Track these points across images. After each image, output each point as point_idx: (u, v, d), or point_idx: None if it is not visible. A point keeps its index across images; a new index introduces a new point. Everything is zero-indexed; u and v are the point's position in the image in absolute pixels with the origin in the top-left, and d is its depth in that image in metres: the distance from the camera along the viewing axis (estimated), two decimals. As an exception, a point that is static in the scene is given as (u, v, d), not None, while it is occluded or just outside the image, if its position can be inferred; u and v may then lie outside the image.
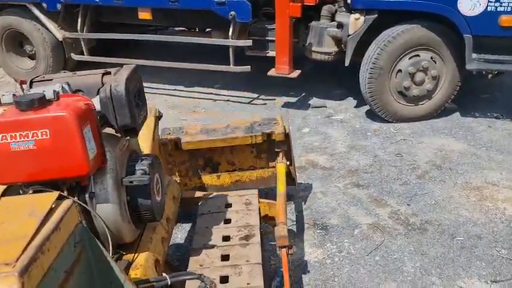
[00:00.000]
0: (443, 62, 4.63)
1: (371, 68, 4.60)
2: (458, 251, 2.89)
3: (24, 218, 1.07)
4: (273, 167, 3.07)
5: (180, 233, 3.25)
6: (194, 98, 5.89)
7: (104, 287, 1.28)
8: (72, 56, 5.89)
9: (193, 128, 3.13)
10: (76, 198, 1.55)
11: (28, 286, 0.92)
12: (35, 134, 1.40)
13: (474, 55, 4.37)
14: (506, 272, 2.68)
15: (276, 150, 3.04)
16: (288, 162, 3.07)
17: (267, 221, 2.85)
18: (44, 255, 1.00)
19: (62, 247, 1.09)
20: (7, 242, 0.99)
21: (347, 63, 4.82)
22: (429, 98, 4.79)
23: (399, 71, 4.62)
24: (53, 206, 1.14)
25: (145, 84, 6.24)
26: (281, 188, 2.74)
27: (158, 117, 2.80)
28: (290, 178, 3.16)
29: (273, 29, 5.01)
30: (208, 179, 3.11)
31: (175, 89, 6.14)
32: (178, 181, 2.97)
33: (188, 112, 5.49)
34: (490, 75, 4.68)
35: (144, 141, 2.48)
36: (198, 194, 2.85)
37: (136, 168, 1.73)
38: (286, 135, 3.01)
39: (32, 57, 6.20)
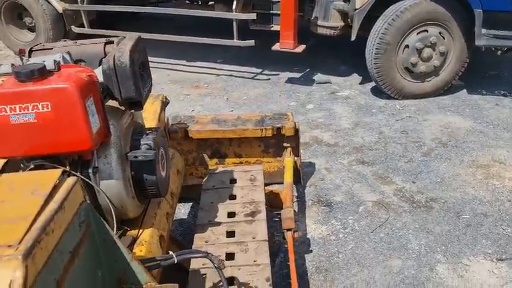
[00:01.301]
0: (452, 37, 4.52)
1: (378, 43, 4.49)
2: (464, 229, 2.86)
3: (27, 196, 1.02)
4: (280, 162, 3.07)
5: (183, 208, 3.23)
6: (197, 72, 5.80)
7: (110, 267, 1.24)
8: (72, 28, 5.77)
9: (204, 118, 3.12)
10: (78, 173, 1.51)
11: (32, 269, 0.88)
12: (35, 107, 1.35)
13: (484, 30, 4.26)
14: (512, 250, 2.67)
15: (284, 145, 3.04)
16: (295, 158, 3.06)
17: (273, 209, 2.86)
18: (49, 236, 0.96)
19: (67, 227, 1.04)
20: (9, 222, 0.94)
21: (353, 38, 4.72)
22: (436, 75, 4.70)
23: (407, 46, 4.52)
24: (57, 183, 1.10)
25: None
26: (288, 177, 2.77)
27: (165, 103, 2.75)
28: (296, 174, 3.14)
29: (278, 2, 4.89)
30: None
31: (177, 64, 6.05)
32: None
33: (190, 87, 5.41)
34: (499, 52, 4.59)
35: (149, 120, 2.43)
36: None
37: (141, 142, 1.68)
38: (296, 131, 3.01)
39: (31, 29, 6.09)
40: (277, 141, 3.05)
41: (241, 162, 3.06)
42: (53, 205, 0.98)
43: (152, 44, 5.76)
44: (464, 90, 4.91)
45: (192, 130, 2.93)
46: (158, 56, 6.08)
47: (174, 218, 3.12)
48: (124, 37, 1.71)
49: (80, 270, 1.07)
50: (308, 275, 2.60)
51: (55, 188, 1.03)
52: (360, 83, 5.29)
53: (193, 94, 5.20)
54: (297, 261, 2.69)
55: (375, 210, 3.10)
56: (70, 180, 1.08)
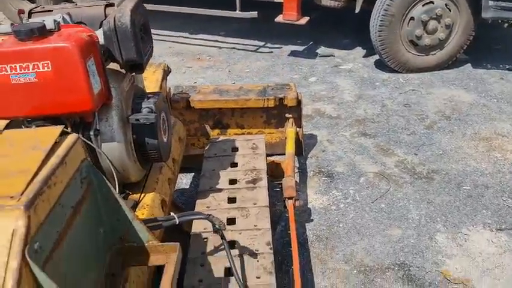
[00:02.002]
0: (458, 9, 4.45)
1: (383, 15, 4.42)
2: (464, 200, 2.88)
3: (28, 151, 1.02)
4: (282, 132, 3.07)
5: (185, 178, 3.24)
6: (199, 45, 5.74)
7: (112, 225, 1.25)
8: (73, -2, 5.69)
9: (206, 88, 3.11)
10: (80, 135, 1.51)
11: (34, 220, 0.88)
12: (36, 66, 1.34)
13: (491, 2, 4.18)
14: (512, 220, 2.68)
15: (286, 116, 3.03)
16: (297, 129, 3.05)
17: (274, 178, 2.87)
18: (50, 189, 0.96)
19: (69, 182, 1.05)
20: (11, 176, 0.94)
21: (357, 10, 4.65)
22: (441, 48, 4.64)
23: (412, 18, 4.45)
24: (58, 140, 1.10)
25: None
26: (290, 148, 2.78)
27: (167, 72, 2.73)
28: (298, 145, 3.14)
29: (282, -28, 4.80)
30: None
31: (179, 36, 5.99)
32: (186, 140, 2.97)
33: (192, 59, 5.37)
34: (505, 25, 4.51)
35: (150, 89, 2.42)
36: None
37: (143, 106, 1.67)
38: (299, 102, 2.99)
39: (32, 0, 6.01)
40: (280, 112, 3.04)
41: (243, 133, 3.06)
42: (54, 160, 0.98)
43: (155, 15, 5.69)
44: (469, 64, 4.86)
45: (194, 100, 2.92)
46: (160, 28, 6.01)
47: (176, 188, 3.16)
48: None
49: (82, 226, 1.08)
50: (309, 243, 2.63)
51: (56, 144, 1.03)
52: (363, 56, 5.24)
53: (195, 66, 5.16)
54: (298, 230, 2.71)
55: (377, 181, 3.11)
56: (71, 137, 1.08)
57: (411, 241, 2.59)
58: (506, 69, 4.75)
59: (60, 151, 1.03)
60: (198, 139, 3.11)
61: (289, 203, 2.33)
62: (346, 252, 2.55)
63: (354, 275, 2.40)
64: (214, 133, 3.08)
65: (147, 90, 2.10)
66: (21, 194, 0.87)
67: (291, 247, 2.15)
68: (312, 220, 2.80)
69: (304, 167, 3.31)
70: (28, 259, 0.81)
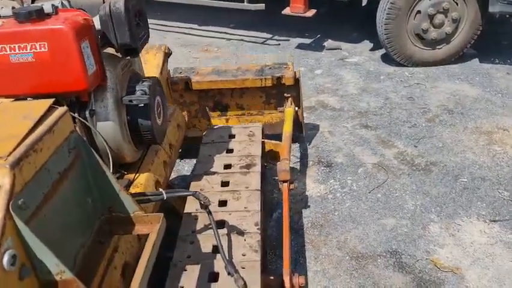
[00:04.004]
0: (465, 3, 4.44)
1: (389, 9, 4.43)
2: (460, 192, 2.90)
3: (19, 119, 1.11)
4: (281, 112, 3.07)
5: (187, 166, 3.33)
6: (207, 36, 5.82)
7: (100, 196, 1.33)
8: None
9: (204, 69, 3.13)
10: (76, 114, 1.59)
11: (19, 179, 0.96)
12: (33, 46, 1.42)
13: (498, -4, 4.17)
14: (506, 212, 2.70)
15: (285, 95, 3.04)
16: (296, 108, 3.06)
17: (272, 161, 2.90)
18: (37, 154, 1.04)
19: (56, 149, 1.13)
20: (1, 140, 1.03)
21: (364, 3, 4.68)
22: (447, 42, 4.64)
23: (418, 12, 4.45)
24: (48, 112, 1.17)
25: (157, 22, 6.21)
26: (287, 128, 2.76)
27: (168, 54, 2.79)
28: (298, 124, 3.17)
29: (290, -35, 4.84)
30: (217, 121, 3.13)
31: (188, 27, 6.07)
32: (187, 120, 3.02)
33: (200, 50, 5.44)
34: (513, 19, 4.48)
35: (152, 75, 2.48)
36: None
37: (137, 88, 1.74)
38: (296, 80, 2.99)
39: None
40: (279, 91, 3.04)
41: (243, 114, 3.09)
42: (42, 128, 1.07)
43: (164, 7, 5.80)
44: (476, 59, 4.84)
45: (193, 81, 2.94)
46: (169, 19, 6.11)
47: (178, 174, 3.25)
48: (122, -14, 1.75)
49: (69, 192, 1.16)
50: (303, 229, 2.69)
51: (45, 115, 1.11)
52: (370, 50, 5.25)
53: (203, 58, 5.24)
54: (293, 216, 2.78)
55: (375, 172, 3.15)
56: (60, 110, 1.16)
57: (405, 230, 2.64)
58: (514, 65, 4.72)
59: (49, 121, 1.11)
60: (199, 120, 3.15)
61: (284, 186, 2.35)
62: (340, 239, 2.60)
63: (346, 261, 2.46)
64: (214, 114, 3.11)
65: (148, 73, 2.17)
66: (8, 155, 0.95)
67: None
68: (308, 208, 2.86)
69: (304, 156, 3.36)
70: (12, 212, 0.90)
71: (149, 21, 1.94)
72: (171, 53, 2.84)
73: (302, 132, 3.31)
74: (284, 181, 2.35)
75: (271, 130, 3.13)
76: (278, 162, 2.41)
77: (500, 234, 2.55)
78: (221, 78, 2.96)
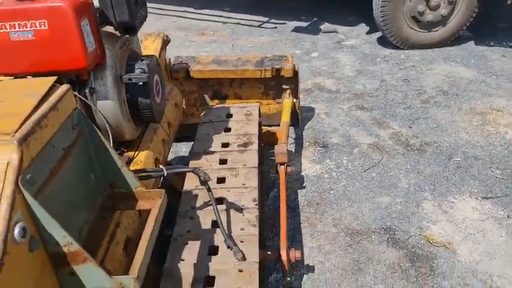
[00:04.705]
0: (461, -15, 4.45)
1: (385, -10, 4.44)
2: (454, 170, 2.96)
3: (22, 97, 1.13)
4: (279, 104, 3.14)
5: (185, 147, 3.36)
6: (203, 20, 5.80)
7: (103, 171, 1.37)
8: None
9: (205, 58, 3.17)
10: (76, 92, 1.62)
11: (27, 155, 1.00)
12: (33, 24, 1.44)
13: (494, -22, 4.18)
14: (498, 190, 2.76)
15: (283, 87, 3.10)
16: (294, 100, 3.12)
17: (269, 146, 2.96)
18: (42, 130, 1.07)
19: (60, 127, 1.16)
20: (6, 117, 1.05)
21: (360, -15, 4.66)
22: (443, 24, 4.65)
23: (415, -6, 4.46)
24: (51, 90, 1.20)
25: (153, 5, 6.19)
26: (285, 117, 2.85)
27: (166, 42, 2.81)
28: (294, 116, 3.22)
29: None
30: None
31: (184, 11, 6.05)
32: (185, 109, 3.07)
33: (197, 34, 5.44)
34: (509, 1, 4.49)
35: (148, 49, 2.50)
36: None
37: (136, 67, 1.77)
38: (295, 73, 3.05)
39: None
40: (277, 83, 3.11)
41: (241, 104, 3.14)
42: (47, 104, 1.09)
43: (160, -11, 5.77)
44: (472, 42, 4.87)
45: (193, 70, 3.00)
46: (165, 2, 6.07)
47: (176, 155, 3.29)
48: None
49: (73, 168, 1.20)
50: (300, 208, 2.74)
51: (49, 92, 1.14)
52: (367, 33, 5.27)
53: (199, 41, 5.23)
54: (290, 196, 2.83)
55: (370, 152, 3.20)
56: (63, 87, 1.19)
57: (399, 208, 2.69)
58: (509, 47, 4.75)
59: (53, 98, 1.14)
60: (197, 109, 3.20)
61: (281, 169, 2.43)
62: (335, 217, 2.66)
63: (341, 237, 2.52)
64: (213, 103, 3.17)
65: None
66: (15, 132, 0.98)
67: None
68: (304, 187, 2.91)
69: (300, 138, 3.40)
70: (21, 187, 0.93)
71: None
72: (170, 41, 2.87)
73: (298, 122, 3.41)
74: (282, 163, 2.41)
75: (268, 121, 3.19)
76: (276, 145, 2.46)
77: (492, 210, 2.61)
78: (221, 68, 3.01)
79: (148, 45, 2.68)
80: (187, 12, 6.03)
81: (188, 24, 5.70)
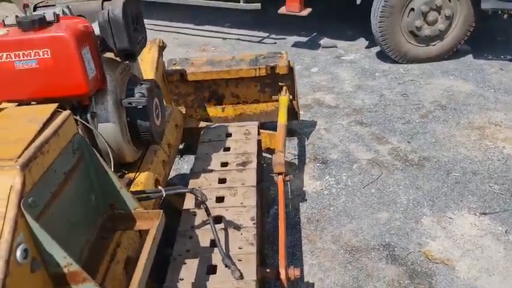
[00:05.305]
0: (458, 0, 4.50)
1: (383, 7, 4.51)
2: (452, 186, 2.98)
3: (26, 124, 1.19)
4: (276, 100, 3.13)
5: (186, 165, 3.40)
6: (204, 36, 5.89)
7: (102, 193, 1.41)
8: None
9: (199, 60, 3.17)
10: (78, 117, 1.67)
11: (29, 179, 1.05)
12: (37, 53, 1.49)
13: (490, -7, 4.24)
14: (496, 205, 2.78)
15: (279, 84, 3.08)
16: (291, 96, 3.11)
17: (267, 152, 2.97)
18: (44, 156, 1.12)
19: (61, 151, 1.21)
20: (10, 143, 1.11)
21: (358, 1, 4.73)
22: (441, 39, 4.71)
23: (412, 9, 4.53)
24: (52, 116, 1.25)
25: (155, 22, 6.27)
26: (282, 119, 2.79)
27: (162, 48, 2.85)
28: (293, 112, 3.23)
29: (285, -35, 4.90)
30: (213, 111, 3.20)
31: (185, 27, 6.14)
32: (184, 112, 3.08)
33: (198, 50, 5.52)
34: (505, 16, 4.55)
35: (148, 71, 2.56)
36: (202, 124, 2.96)
37: (135, 91, 1.82)
38: (290, 69, 3.03)
39: (43, -7, 6.20)
40: (273, 80, 3.08)
41: (238, 103, 3.17)
42: (48, 131, 1.15)
43: (162, 7, 5.87)
44: (470, 55, 4.92)
45: (188, 72, 2.99)
46: (166, 19, 6.18)
47: (177, 173, 3.33)
48: (120, -8, 1.83)
49: (74, 191, 1.24)
50: (300, 225, 2.77)
51: (51, 118, 1.19)
52: (366, 47, 5.33)
53: (200, 57, 5.30)
54: (290, 213, 2.86)
55: (369, 168, 3.23)
56: (64, 114, 1.24)
57: (398, 224, 2.72)
58: (507, 60, 4.80)
59: (54, 124, 1.19)
60: (195, 110, 3.22)
61: (279, 178, 2.38)
62: (335, 234, 2.69)
63: (341, 254, 2.54)
64: (210, 104, 3.17)
65: (144, 69, 2.23)
66: (18, 157, 1.03)
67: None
68: (304, 204, 2.94)
69: (300, 154, 3.44)
70: (23, 210, 0.98)
71: (146, 21, 2.02)
72: (165, 46, 2.90)
73: (297, 119, 3.37)
74: (279, 173, 2.41)
75: (267, 118, 3.20)
76: (273, 155, 2.47)
77: (490, 226, 2.63)
78: (215, 68, 3.00)
79: (145, 55, 2.70)
80: (188, 28, 6.12)
81: (189, 41, 5.78)
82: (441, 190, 2.96)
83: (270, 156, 3.10)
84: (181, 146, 2.91)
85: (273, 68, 2.98)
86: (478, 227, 2.64)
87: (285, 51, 3.17)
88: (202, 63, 3.10)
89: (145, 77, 2.24)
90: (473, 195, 2.88)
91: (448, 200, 2.87)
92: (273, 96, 3.15)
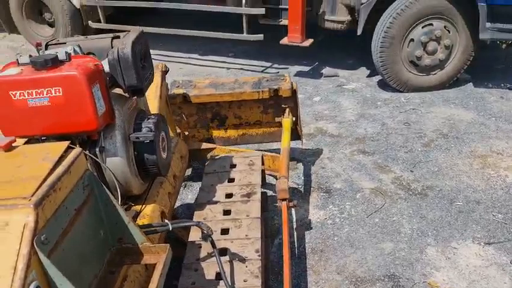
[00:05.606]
0: (457, 31, 4.60)
1: (383, 37, 4.60)
2: (456, 215, 2.99)
3: (39, 162, 1.23)
4: (279, 122, 3.13)
5: (191, 194, 3.43)
6: (208, 66, 6.00)
7: (111, 228, 1.44)
8: (90, 23, 6.03)
9: (202, 82, 3.18)
10: (87, 151, 1.71)
11: (42, 217, 1.08)
12: (49, 92, 1.55)
13: (488, 24, 4.33)
14: (500, 235, 2.78)
15: (282, 106, 3.09)
16: (294, 118, 3.12)
17: (270, 173, 2.99)
18: (56, 193, 1.16)
19: (72, 188, 1.25)
20: (24, 181, 1.15)
21: (359, 32, 4.83)
22: (441, 68, 4.79)
23: (412, 40, 4.62)
24: (64, 153, 1.30)
25: (160, 52, 6.40)
26: (285, 143, 2.80)
27: (165, 72, 2.89)
28: (296, 133, 3.24)
29: (287, -3, 5.03)
30: (215, 131, 3.22)
31: (189, 57, 6.26)
32: (187, 133, 3.11)
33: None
34: (503, 45, 4.64)
35: (151, 97, 2.58)
36: (205, 145, 2.99)
37: (143, 126, 1.87)
38: (293, 92, 3.04)
39: (51, 24, 6.37)
40: (276, 102, 3.09)
41: (241, 123, 3.17)
42: (60, 168, 1.19)
43: (167, 37, 6.00)
44: (470, 84, 4.99)
45: (191, 95, 3.02)
46: (172, 49, 6.31)
47: (182, 203, 3.35)
48: (129, 31, 1.90)
49: (84, 226, 1.28)
50: (304, 255, 2.77)
51: (63, 156, 1.24)
52: (367, 76, 5.41)
53: (204, 86, 5.39)
54: (294, 243, 2.86)
55: (372, 197, 3.24)
56: (76, 151, 1.28)
57: (402, 254, 2.71)
58: (507, 88, 4.86)
59: (66, 162, 1.23)
60: (198, 130, 3.24)
61: (283, 204, 2.38)
62: (339, 264, 2.68)
63: (346, 285, 2.53)
64: (213, 124, 3.20)
65: (148, 94, 2.26)
66: (32, 195, 1.07)
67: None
68: (308, 234, 2.94)
69: (304, 183, 3.46)
70: (36, 247, 1.01)
71: (152, 51, 2.07)
72: (168, 70, 2.95)
73: (300, 139, 3.38)
74: (283, 199, 2.40)
75: (270, 138, 3.21)
76: (277, 181, 2.46)
77: (495, 256, 2.63)
78: (219, 91, 3.02)
79: None
80: (192, 58, 6.24)
81: (194, 71, 5.88)
82: (445, 219, 2.96)
83: (273, 179, 3.14)
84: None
85: (276, 90, 2.99)
86: (483, 257, 2.63)
87: (288, 74, 3.16)
88: (205, 85, 3.11)
89: (148, 101, 2.26)
90: (477, 225, 2.89)
91: (452, 230, 2.87)
92: (276, 118, 3.16)
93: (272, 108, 3.15)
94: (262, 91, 3.00)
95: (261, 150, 3.21)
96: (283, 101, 3.08)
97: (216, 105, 3.12)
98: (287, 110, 3.10)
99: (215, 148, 3.14)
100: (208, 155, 2.95)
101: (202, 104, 3.11)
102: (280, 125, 3.11)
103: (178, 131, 3.05)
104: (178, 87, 3.10)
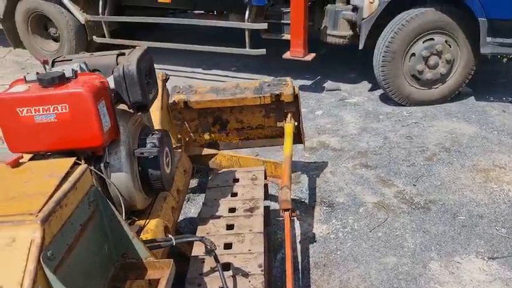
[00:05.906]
0: (458, 45, 4.64)
1: (385, 52, 4.64)
2: (459, 229, 2.98)
3: (45, 178, 1.25)
4: (281, 126, 3.09)
5: (194, 208, 3.44)
6: (211, 80, 6.04)
7: (115, 243, 1.45)
8: (94, 38, 6.10)
9: (203, 88, 3.13)
10: (92, 167, 1.73)
11: (48, 233, 1.10)
12: (55, 108, 1.58)
13: (489, 39, 4.37)
14: (504, 249, 2.77)
15: (284, 111, 3.05)
16: (296, 123, 3.08)
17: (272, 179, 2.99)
18: (62, 209, 1.18)
19: (78, 204, 1.26)
20: (31, 197, 1.17)
21: (361, 47, 4.88)
22: (443, 82, 4.82)
23: (413, 54, 4.66)
24: (70, 169, 1.32)
25: (164, 67, 6.46)
26: (287, 150, 2.76)
27: (165, 80, 2.90)
28: (298, 138, 3.21)
29: (289, 12, 5.09)
30: (217, 136, 3.20)
31: (193, 71, 6.32)
32: (188, 139, 3.10)
33: (205, 94, 5.64)
34: (504, 59, 4.67)
35: (153, 108, 2.55)
36: (206, 151, 2.98)
37: (147, 141, 1.89)
38: (295, 97, 3.01)
39: (56, 39, 6.45)
40: (278, 106, 3.05)
41: (243, 128, 3.13)
42: (67, 185, 1.21)
43: (170, 52, 6.07)
44: (472, 97, 5.01)
45: (191, 101, 2.98)
46: (175, 64, 6.37)
47: (185, 217, 3.36)
48: (134, 48, 1.94)
49: (89, 241, 1.29)
50: (307, 270, 2.77)
51: (69, 173, 1.26)
52: (369, 90, 5.44)
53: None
54: (297, 257, 2.86)
55: (375, 211, 3.24)
56: (81, 168, 1.30)
57: (406, 268, 2.71)
58: (509, 102, 4.88)
59: (72, 178, 1.25)
60: (199, 135, 3.22)
61: (286, 215, 2.34)
62: (342, 279, 2.68)
63: (349, 300, 2.52)
64: (214, 128, 3.16)
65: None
66: (39, 212, 1.09)
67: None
68: (311, 248, 2.94)
69: (307, 197, 3.47)
70: (42, 263, 1.03)
71: (156, 66, 2.08)
72: (168, 78, 2.94)
73: (302, 143, 3.34)
74: (286, 210, 2.34)
75: (271, 143, 3.20)
76: (279, 191, 2.44)
77: (499, 271, 2.62)
78: (220, 97, 2.97)
79: None
80: (196, 72, 6.30)
81: (198, 84, 5.92)
82: (448, 234, 2.96)
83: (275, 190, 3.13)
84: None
85: (278, 95, 2.95)
86: (487, 271, 2.63)
87: (290, 79, 3.11)
88: (206, 90, 3.07)
89: (150, 112, 2.26)
90: (481, 239, 2.88)
91: (455, 244, 2.86)
92: (277, 123, 3.12)
93: (274, 112, 3.09)
94: (264, 96, 2.95)
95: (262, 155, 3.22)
96: (285, 106, 3.03)
97: (217, 109, 3.07)
98: (289, 115, 3.04)
99: (217, 154, 3.13)
100: (210, 162, 2.94)
101: (203, 109, 3.06)
102: (282, 129, 3.07)
103: (179, 136, 3.05)
104: (179, 93, 3.04)
